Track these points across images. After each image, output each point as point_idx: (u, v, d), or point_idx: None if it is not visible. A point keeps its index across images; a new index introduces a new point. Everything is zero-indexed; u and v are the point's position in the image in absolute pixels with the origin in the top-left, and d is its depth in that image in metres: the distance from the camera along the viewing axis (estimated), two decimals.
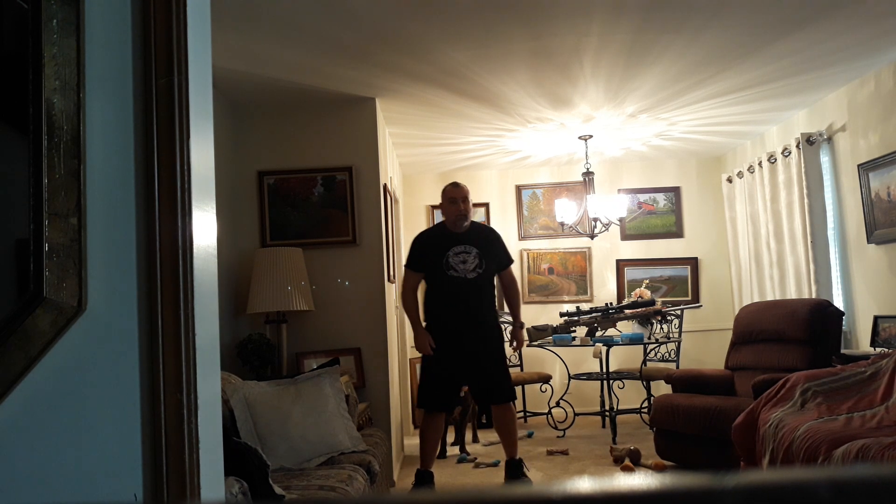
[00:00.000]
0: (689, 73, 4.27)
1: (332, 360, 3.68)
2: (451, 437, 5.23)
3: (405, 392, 5.78)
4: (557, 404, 5.78)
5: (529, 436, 5.56)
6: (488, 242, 4.01)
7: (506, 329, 4.22)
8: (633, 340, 5.53)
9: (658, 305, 5.69)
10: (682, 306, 5.99)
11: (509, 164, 6.59)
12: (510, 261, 4.15)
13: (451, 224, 3.98)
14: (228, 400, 3.07)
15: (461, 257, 3.91)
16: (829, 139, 4.98)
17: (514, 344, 4.15)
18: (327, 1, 3.12)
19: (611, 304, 5.79)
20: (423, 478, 3.96)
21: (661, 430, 4.47)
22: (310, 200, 4.44)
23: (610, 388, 5.59)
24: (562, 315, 5.67)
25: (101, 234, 1.22)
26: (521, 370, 6.17)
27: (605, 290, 6.70)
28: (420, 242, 4.10)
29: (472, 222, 4.07)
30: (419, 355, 6.28)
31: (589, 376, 5.95)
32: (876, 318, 4.37)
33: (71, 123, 1.20)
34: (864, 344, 4.59)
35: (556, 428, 5.64)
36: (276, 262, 4.07)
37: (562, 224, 5.83)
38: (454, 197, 3.97)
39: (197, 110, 1.28)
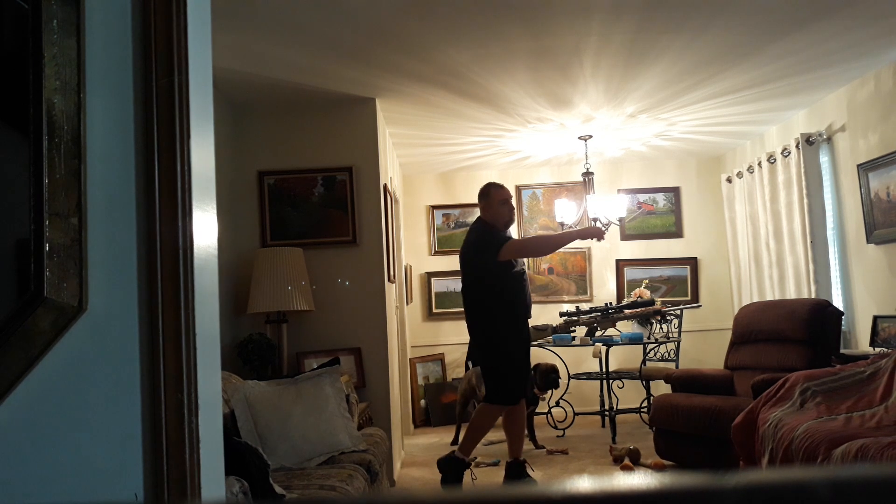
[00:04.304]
0: (689, 73, 4.27)
1: (333, 359, 3.68)
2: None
3: (405, 392, 5.78)
4: (557, 404, 5.78)
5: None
6: None
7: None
8: (633, 340, 5.54)
9: (657, 305, 5.69)
10: (681, 306, 5.99)
11: (509, 165, 6.59)
12: None
13: (503, 224, 3.96)
14: (229, 400, 3.07)
15: None
16: (829, 139, 4.98)
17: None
18: (327, 1, 3.12)
19: (610, 303, 5.79)
20: (462, 468, 3.96)
21: (660, 430, 4.47)
22: (310, 200, 4.44)
23: (609, 387, 5.60)
24: (561, 315, 5.67)
25: (101, 234, 1.22)
26: None
27: (604, 290, 6.70)
28: (494, 237, 3.93)
29: None
30: (419, 355, 6.33)
31: (588, 376, 5.95)
32: (875, 318, 4.37)
33: (71, 124, 1.21)
34: (863, 344, 4.59)
35: (555, 427, 5.64)
36: (276, 262, 4.08)
37: (562, 224, 5.83)
38: (507, 198, 3.99)
39: (197, 110, 1.28)
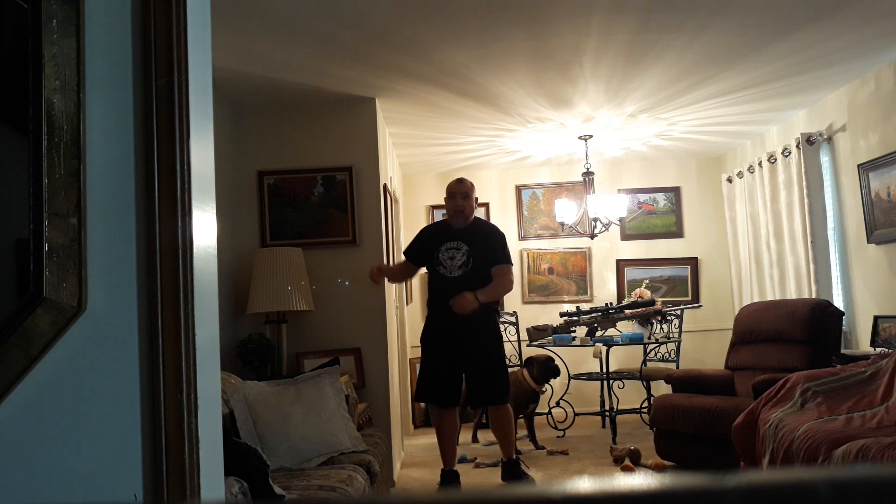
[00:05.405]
0: (690, 72, 4.27)
1: (332, 360, 3.68)
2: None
3: (405, 392, 5.78)
4: (557, 404, 5.78)
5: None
6: (484, 241, 3.91)
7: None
8: (633, 340, 5.53)
9: (658, 305, 5.69)
10: (681, 306, 5.99)
11: (509, 164, 6.59)
12: (505, 260, 3.93)
13: (450, 219, 3.99)
14: (228, 400, 3.07)
15: (450, 253, 3.89)
16: (829, 139, 4.98)
17: (455, 303, 3.75)
18: (327, 1, 3.12)
19: (611, 304, 5.79)
20: (448, 477, 3.94)
21: (660, 431, 4.47)
22: (310, 200, 4.44)
23: (610, 388, 5.59)
24: (562, 315, 5.67)
25: (101, 234, 1.22)
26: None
27: (605, 290, 6.70)
28: (421, 234, 4.18)
29: (477, 219, 4.05)
30: (419, 355, 6.32)
31: (589, 376, 5.95)
32: (876, 318, 4.37)
33: (71, 123, 1.20)
34: (864, 344, 4.59)
35: (556, 428, 5.64)
36: (276, 262, 4.07)
37: (562, 224, 5.83)
38: (454, 192, 3.97)
39: (197, 110, 1.28)
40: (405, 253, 4.17)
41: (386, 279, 4.31)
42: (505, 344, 4.13)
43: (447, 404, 3.96)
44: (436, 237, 3.99)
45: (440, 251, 3.90)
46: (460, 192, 3.94)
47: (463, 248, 3.87)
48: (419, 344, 4.09)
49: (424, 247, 4.01)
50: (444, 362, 3.88)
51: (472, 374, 3.94)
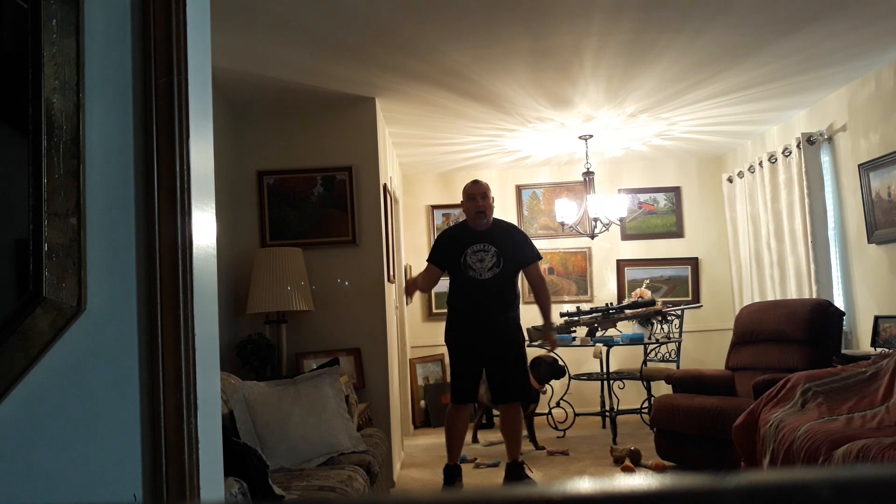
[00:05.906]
0: (690, 72, 4.27)
1: (332, 360, 3.68)
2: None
3: (405, 392, 5.78)
4: (558, 404, 5.78)
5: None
6: (510, 240, 3.95)
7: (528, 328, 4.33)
8: (634, 341, 5.53)
9: (658, 305, 5.68)
10: (682, 306, 5.99)
11: (509, 164, 6.59)
12: (535, 257, 4.02)
13: (472, 221, 3.97)
14: (228, 400, 3.07)
15: (479, 256, 3.88)
16: (830, 139, 4.98)
17: (548, 346, 4.47)
18: (327, 1, 3.12)
19: (611, 304, 5.79)
20: (452, 472, 3.96)
21: (661, 431, 4.46)
22: (309, 200, 4.44)
23: (610, 388, 5.59)
24: (562, 315, 5.67)
25: (100, 234, 1.22)
26: None
27: (605, 291, 6.70)
28: (442, 239, 4.14)
29: (496, 220, 4.05)
30: (419, 356, 6.33)
31: (589, 376, 5.95)
32: (876, 319, 4.37)
33: (70, 123, 1.20)
34: (864, 344, 4.59)
35: (556, 428, 5.64)
36: (275, 262, 4.07)
37: (562, 224, 5.83)
38: (472, 193, 3.95)
39: (196, 110, 1.28)
40: (430, 260, 4.09)
41: (419, 292, 4.36)
42: (524, 345, 4.13)
43: (465, 400, 3.98)
44: (458, 241, 3.95)
45: (467, 255, 3.89)
46: (479, 192, 3.94)
47: (491, 249, 3.88)
48: (443, 343, 4.08)
49: (447, 251, 3.98)
50: (469, 363, 3.93)
51: (492, 372, 3.97)
